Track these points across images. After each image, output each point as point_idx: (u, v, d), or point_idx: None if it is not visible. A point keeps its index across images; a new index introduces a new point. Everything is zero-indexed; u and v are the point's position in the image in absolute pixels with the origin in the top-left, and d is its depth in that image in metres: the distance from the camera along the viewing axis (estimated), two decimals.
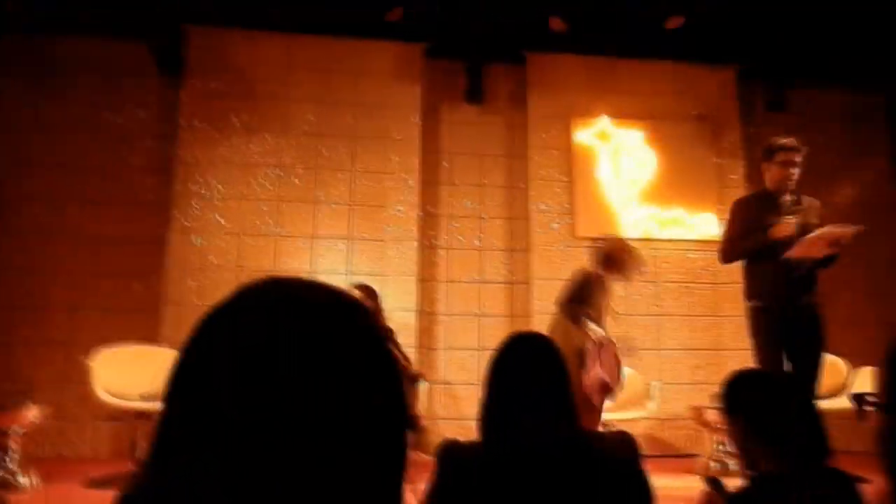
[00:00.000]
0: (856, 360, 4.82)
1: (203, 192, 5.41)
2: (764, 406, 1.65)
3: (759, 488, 1.58)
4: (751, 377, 1.75)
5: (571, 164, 5.89)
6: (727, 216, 3.77)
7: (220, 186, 5.43)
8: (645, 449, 4.63)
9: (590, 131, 5.98)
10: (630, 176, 5.94)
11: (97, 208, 5.46)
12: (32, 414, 3.85)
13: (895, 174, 6.36)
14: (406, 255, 5.53)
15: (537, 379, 1.43)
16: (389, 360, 0.57)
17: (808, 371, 3.38)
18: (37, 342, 5.18)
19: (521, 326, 5.41)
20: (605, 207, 5.86)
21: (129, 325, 5.24)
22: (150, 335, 5.10)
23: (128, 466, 3.87)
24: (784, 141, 3.63)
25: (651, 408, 4.65)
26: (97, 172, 5.51)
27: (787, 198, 3.51)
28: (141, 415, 4.08)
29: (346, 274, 5.35)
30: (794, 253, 3.37)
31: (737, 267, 3.78)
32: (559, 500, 1.31)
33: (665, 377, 5.42)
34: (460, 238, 5.85)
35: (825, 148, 6.33)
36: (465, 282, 5.78)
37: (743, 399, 1.65)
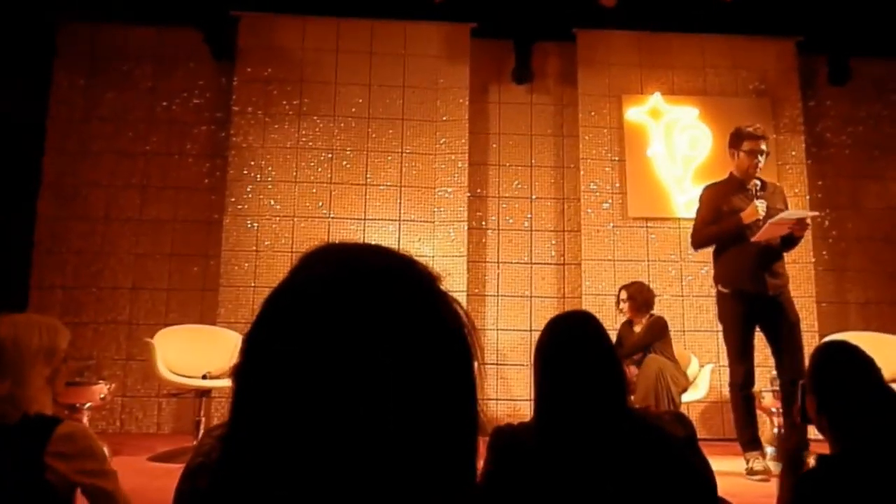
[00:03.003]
0: None
1: (256, 176, 5.50)
2: (831, 383, 1.59)
3: (827, 470, 1.52)
4: (830, 352, 1.67)
5: (623, 143, 5.77)
6: (697, 203, 3.88)
7: (272, 170, 5.52)
8: (700, 432, 4.54)
9: (641, 109, 5.84)
10: (683, 154, 5.78)
11: (156, 192, 5.62)
12: (101, 390, 4.00)
13: None
14: (455, 236, 5.53)
15: (587, 358, 1.41)
16: (462, 334, 0.54)
17: (792, 352, 3.53)
18: (102, 321, 5.38)
19: (572, 308, 5.36)
20: (658, 187, 5.72)
21: (188, 306, 5.40)
22: (207, 315, 5.25)
23: (190, 442, 3.99)
24: (751, 129, 3.73)
25: (702, 391, 4.54)
26: (155, 158, 5.66)
27: (755, 183, 3.62)
28: (201, 392, 4.20)
29: None
30: (759, 237, 3.52)
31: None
32: (616, 480, 1.29)
33: (721, 359, 5.29)
34: (510, 219, 5.82)
35: (889, 120, 6.06)
36: (515, 263, 5.74)
37: (815, 374, 1.60)
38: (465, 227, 5.56)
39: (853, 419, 1.50)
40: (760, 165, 3.67)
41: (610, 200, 5.69)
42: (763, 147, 3.66)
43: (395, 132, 5.65)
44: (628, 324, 4.62)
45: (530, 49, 5.93)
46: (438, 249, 5.49)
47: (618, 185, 5.71)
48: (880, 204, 5.95)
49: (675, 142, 5.81)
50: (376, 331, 0.49)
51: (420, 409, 0.49)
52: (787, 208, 3.75)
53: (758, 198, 3.58)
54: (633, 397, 4.13)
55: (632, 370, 4.35)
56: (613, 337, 5.10)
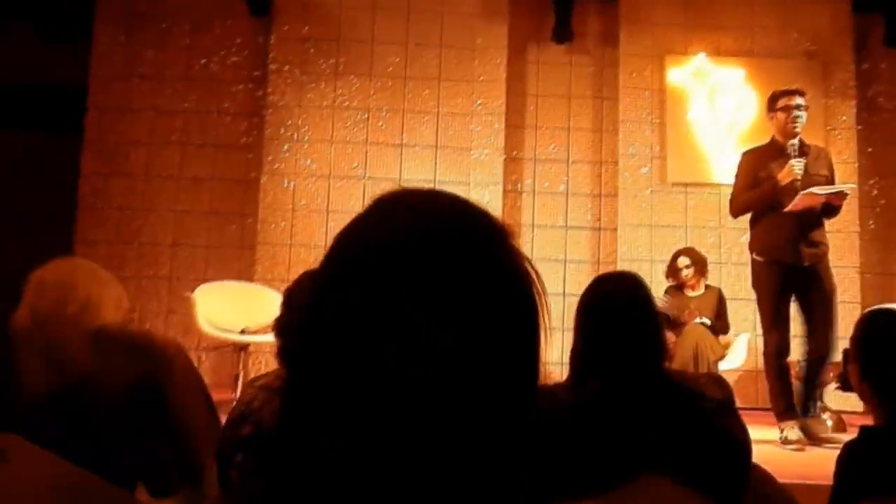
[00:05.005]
0: None
1: (293, 135, 5.52)
2: (877, 350, 1.56)
3: (872, 441, 1.50)
4: (876, 319, 1.63)
5: (664, 106, 5.64)
6: (736, 169, 3.76)
7: (308, 130, 5.53)
8: (736, 400, 4.48)
9: (685, 70, 5.68)
10: (728, 118, 5.62)
11: (195, 150, 5.68)
12: None
13: None
14: (491, 199, 5.50)
15: (628, 318, 1.40)
16: (532, 294, 0.52)
17: (823, 326, 3.46)
18: (143, 276, 5.51)
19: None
20: (699, 152, 5.60)
21: (226, 263, 5.50)
22: (244, 273, 5.34)
23: (229, 394, 4.10)
24: (786, 88, 3.64)
25: (739, 360, 4.50)
26: (193, 116, 5.71)
27: (793, 142, 3.49)
28: (241, 347, 4.30)
29: None
30: (792, 206, 3.42)
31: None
32: (651, 440, 1.27)
33: (759, 329, 5.21)
34: (546, 182, 5.76)
35: None
36: (551, 226, 5.71)
37: (861, 341, 1.57)
38: (501, 190, 5.53)
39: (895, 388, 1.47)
40: (799, 122, 3.53)
41: (649, 165, 5.59)
42: (797, 102, 3.54)
43: (431, 92, 5.60)
44: (676, 288, 4.59)
45: (571, 7, 5.78)
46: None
47: (657, 148, 5.60)
48: None
49: (719, 105, 5.65)
50: (448, 288, 0.48)
51: (484, 369, 0.48)
52: (831, 174, 3.65)
53: (796, 157, 3.46)
54: (671, 364, 4.14)
55: (670, 337, 4.35)
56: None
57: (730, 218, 4.20)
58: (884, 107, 5.81)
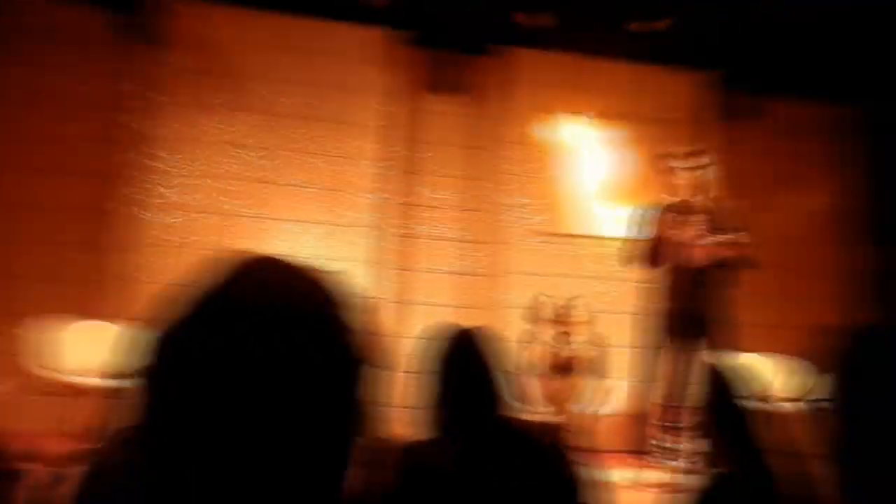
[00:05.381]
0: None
1: (154, 165, 5.22)
2: (717, 401, 1.65)
3: (723, 487, 1.54)
4: (719, 372, 1.73)
5: (546, 160, 5.84)
6: (640, 225, 3.97)
7: (169, 160, 5.25)
8: (611, 444, 4.52)
9: (567, 128, 5.93)
10: (605, 175, 5.90)
11: (40, 177, 5.19)
12: None
13: (868, 188, 6.43)
14: (365, 241, 5.43)
15: (467, 372, 1.46)
16: (353, 364, 0.60)
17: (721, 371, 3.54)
18: None
19: (486, 319, 5.33)
20: (579, 204, 5.81)
21: (69, 298, 4.97)
22: (90, 309, 4.86)
23: (60, 443, 3.63)
24: (688, 148, 3.98)
25: (615, 405, 4.59)
26: (46, 141, 5.25)
27: (696, 200, 3.73)
28: (79, 391, 3.85)
29: (305, 259, 5.19)
30: (694, 259, 3.65)
31: None
32: (488, 493, 1.33)
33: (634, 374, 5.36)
34: (426, 228, 5.74)
35: (799, 159, 6.39)
36: (429, 272, 5.67)
37: (709, 392, 1.65)
38: (375, 233, 5.47)
39: (741, 435, 1.57)
40: (700, 182, 3.75)
41: (535, 217, 5.72)
42: (703, 162, 3.80)
43: (304, 132, 5.48)
44: (556, 336, 4.63)
45: (458, 60, 5.92)
46: (346, 253, 5.35)
47: (539, 199, 5.74)
48: (777, 232, 6.20)
49: (597, 162, 5.92)
50: (283, 353, 0.55)
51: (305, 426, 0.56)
52: (734, 225, 3.82)
53: (697, 215, 3.66)
54: (544, 409, 4.16)
55: (554, 384, 4.39)
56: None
57: (608, 268, 4.35)
58: (744, 176, 6.29)
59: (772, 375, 3.62)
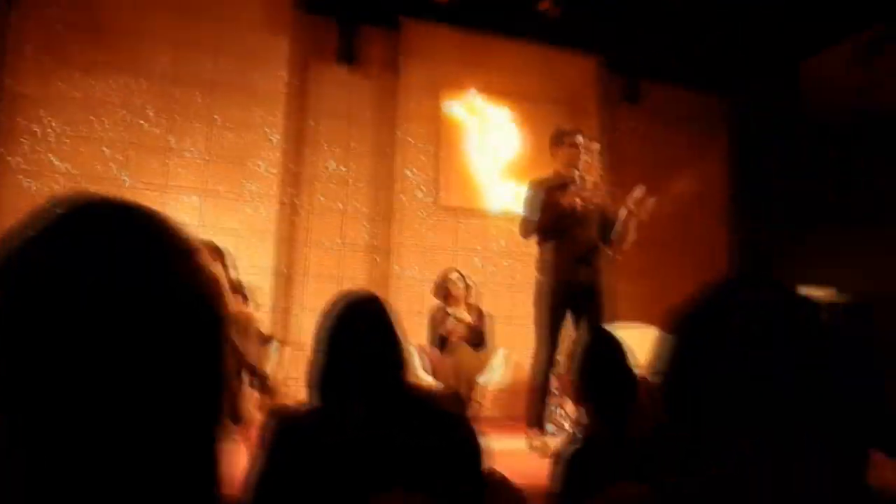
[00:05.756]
0: None
1: (36, 129, 4.85)
2: (590, 369, 1.75)
3: (585, 448, 1.65)
4: (590, 337, 1.84)
5: (439, 135, 5.91)
6: (525, 196, 4.05)
7: (56, 124, 4.90)
8: (493, 411, 4.71)
9: (459, 104, 6.02)
10: (495, 151, 6.06)
11: None
12: None
13: (729, 164, 6.96)
14: (265, 214, 5.32)
15: (367, 337, 1.43)
16: (202, 304, 0.54)
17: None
18: None
19: (381, 291, 5.39)
20: (470, 180, 5.95)
21: None
22: None
23: None
24: (569, 128, 4.12)
25: (496, 374, 4.80)
26: None
27: (578, 175, 3.89)
28: None
29: (199, 230, 5.04)
30: (576, 229, 3.82)
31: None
32: (395, 455, 1.32)
33: (515, 346, 5.63)
34: (323, 200, 5.72)
35: (669, 143, 6.82)
36: (327, 245, 5.66)
37: (577, 357, 1.74)
38: (276, 205, 5.37)
39: (611, 400, 1.67)
40: (581, 158, 3.90)
41: (424, 190, 5.80)
42: (581, 140, 3.93)
43: (204, 99, 5.28)
44: (441, 307, 4.74)
45: (355, 31, 5.85)
46: (246, 227, 5.24)
47: (432, 175, 5.83)
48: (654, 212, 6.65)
49: (487, 139, 6.07)
50: (122, 304, 0.49)
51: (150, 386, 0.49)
52: (606, 204, 4.01)
53: (579, 188, 3.81)
54: (434, 380, 4.28)
55: (435, 354, 4.51)
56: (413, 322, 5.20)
57: (496, 242, 4.51)
58: (624, 157, 6.66)
59: (646, 345, 3.86)
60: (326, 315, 1.46)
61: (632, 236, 3.89)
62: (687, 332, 0.69)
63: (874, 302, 6.53)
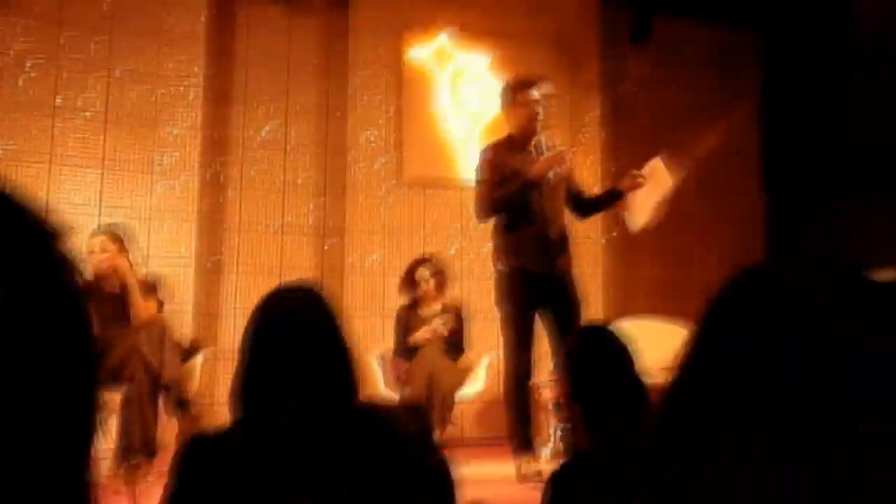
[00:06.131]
0: None
1: None
2: (583, 371, 1.75)
3: (582, 465, 1.62)
4: (584, 338, 1.81)
5: (401, 90, 5.81)
6: (478, 167, 3.96)
7: None
8: (477, 431, 4.68)
9: (426, 49, 5.90)
10: (472, 108, 5.95)
11: None
12: None
13: (762, 117, 6.93)
14: (183, 191, 5.18)
15: (305, 341, 1.42)
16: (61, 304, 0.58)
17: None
18: None
19: (334, 285, 5.30)
20: (441, 145, 5.85)
21: None
22: None
23: None
24: (526, 78, 3.92)
25: (478, 386, 4.72)
26: None
27: (538, 138, 3.77)
28: None
29: (97, 212, 4.88)
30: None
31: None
32: (337, 485, 1.31)
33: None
34: (256, 172, 5.61)
35: (690, 86, 6.77)
36: (263, 229, 5.56)
37: (568, 361, 1.72)
38: (197, 180, 5.25)
39: (604, 410, 1.65)
40: (540, 119, 3.79)
41: (384, 158, 5.69)
42: (539, 94, 3.79)
43: (100, 45, 5.10)
44: (411, 307, 4.66)
45: None
46: (159, 207, 5.10)
47: (393, 139, 5.73)
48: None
49: (462, 92, 5.95)
50: None
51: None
52: (571, 173, 3.93)
53: (545, 154, 3.71)
54: (403, 394, 4.21)
55: (402, 363, 4.43)
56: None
57: (474, 222, 4.40)
58: (630, 106, 6.59)
59: (650, 341, 3.81)
60: (253, 314, 1.46)
61: (647, 216, 3.83)
62: (703, 328, 0.71)
63: None
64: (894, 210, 5.93)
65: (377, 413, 1.45)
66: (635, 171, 3.84)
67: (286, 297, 1.49)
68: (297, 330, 1.41)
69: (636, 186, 3.81)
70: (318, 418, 1.36)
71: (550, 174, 3.70)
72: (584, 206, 3.99)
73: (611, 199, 3.97)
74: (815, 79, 6.58)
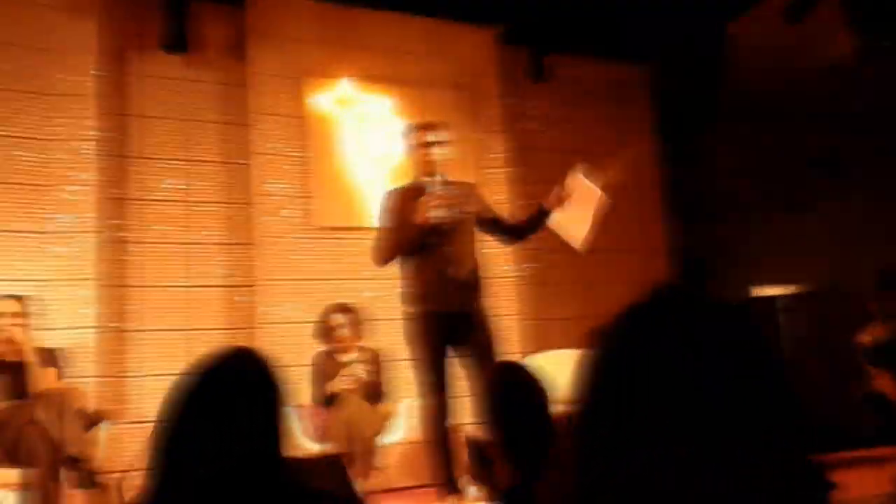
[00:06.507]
0: None
1: None
2: (501, 408, 1.71)
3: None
4: (499, 375, 1.81)
5: (306, 137, 5.76)
6: (378, 210, 4.00)
7: None
8: (401, 479, 4.59)
9: (328, 95, 5.88)
10: (378, 151, 5.94)
11: None
12: None
13: (659, 152, 7.17)
14: (80, 252, 5.00)
15: (234, 405, 1.40)
16: None
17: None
18: None
19: (246, 338, 5.19)
20: (349, 190, 5.81)
21: None
22: None
23: None
24: (422, 122, 4.00)
25: (401, 432, 4.66)
26: None
27: (433, 179, 3.80)
28: None
29: None
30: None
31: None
32: None
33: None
34: (159, 228, 5.45)
35: (588, 123, 6.96)
36: (168, 286, 5.39)
37: (487, 399, 1.72)
38: (94, 240, 5.07)
39: (524, 444, 1.66)
40: (436, 159, 3.81)
41: (291, 206, 5.62)
42: (432, 137, 3.83)
43: None
44: (327, 354, 4.59)
45: (185, 10, 5.63)
46: (55, 270, 4.88)
47: (300, 187, 5.67)
48: None
49: (367, 137, 5.95)
50: None
51: None
52: (484, 208, 3.97)
53: (439, 195, 3.72)
54: (324, 445, 4.12)
55: (322, 413, 4.35)
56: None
57: (386, 267, 4.38)
58: (533, 144, 6.72)
59: (566, 373, 3.84)
60: (181, 377, 1.42)
61: (585, 230, 3.86)
62: (601, 355, 0.76)
63: (827, 293, 6.90)
64: (774, 225, 6.21)
65: (297, 472, 1.42)
66: (558, 187, 3.85)
67: (216, 361, 1.46)
68: (226, 394, 1.39)
69: (561, 201, 3.80)
70: (238, 482, 1.32)
71: (445, 215, 3.69)
72: (510, 231, 4.01)
73: (539, 219, 3.92)
74: (698, 107, 6.88)
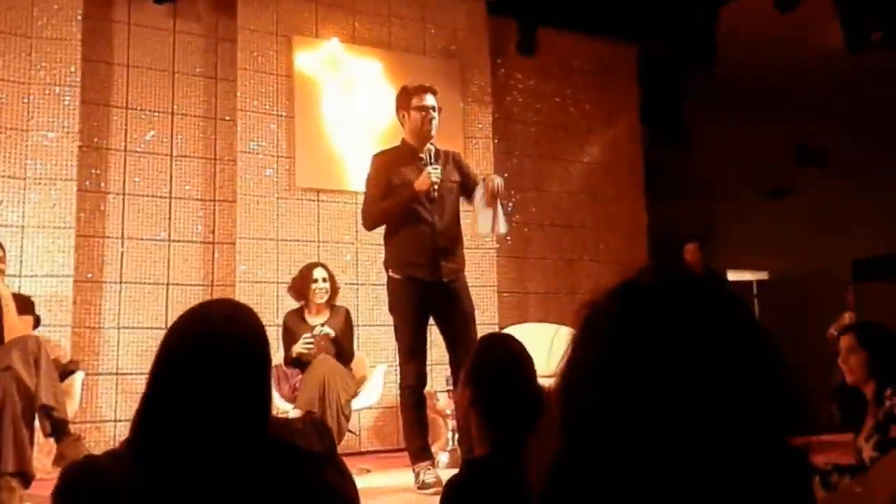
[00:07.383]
0: None
1: None
2: (485, 376, 1.77)
3: (475, 473, 1.67)
4: (487, 344, 1.83)
5: (292, 96, 5.71)
6: (367, 175, 3.97)
7: None
8: (373, 443, 4.66)
9: (317, 57, 5.82)
10: (363, 116, 5.90)
11: None
12: None
13: (642, 130, 7.20)
14: (59, 199, 4.91)
15: (215, 364, 1.36)
16: None
17: (467, 348, 3.69)
18: None
19: (224, 295, 5.15)
20: (333, 153, 5.77)
21: None
22: None
23: None
24: (416, 85, 3.94)
25: (375, 396, 4.68)
26: None
27: (427, 149, 3.81)
28: None
29: None
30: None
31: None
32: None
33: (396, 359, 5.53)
34: (140, 181, 5.38)
35: (573, 98, 6.96)
36: (148, 239, 5.34)
37: (471, 367, 1.73)
38: (74, 189, 4.99)
39: (505, 416, 1.66)
40: (434, 124, 3.81)
41: (274, 166, 5.58)
42: (430, 102, 3.82)
43: None
44: (297, 312, 4.58)
45: None
46: (33, 217, 4.82)
47: (284, 147, 5.62)
48: (561, 188, 6.79)
49: (354, 100, 5.90)
50: None
51: None
52: (465, 177, 3.94)
53: (431, 164, 3.75)
54: (295, 405, 4.11)
55: (294, 372, 4.34)
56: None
57: (365, 231, 4.38)
58: (518, 117, 6.71)
59: (543, 346, 3.86)
60: (170, 334, 1.39)
61: (487, 225, 3.80)
62: (587, 329, 0.76)
63: (804, 279, 7.01)
64: (752, 208, 6.28)
65: (281, 435, 1.40)
66: (485, 178, 3.81)
67: (205, 313, 1.44)
68: (215, 348, 1.35)
69: (493, 195, 3.70)
70: (222, 441, 1.31)
71: (435, 185, 3.71)
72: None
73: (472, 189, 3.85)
74: (684, 90, 6.90)
